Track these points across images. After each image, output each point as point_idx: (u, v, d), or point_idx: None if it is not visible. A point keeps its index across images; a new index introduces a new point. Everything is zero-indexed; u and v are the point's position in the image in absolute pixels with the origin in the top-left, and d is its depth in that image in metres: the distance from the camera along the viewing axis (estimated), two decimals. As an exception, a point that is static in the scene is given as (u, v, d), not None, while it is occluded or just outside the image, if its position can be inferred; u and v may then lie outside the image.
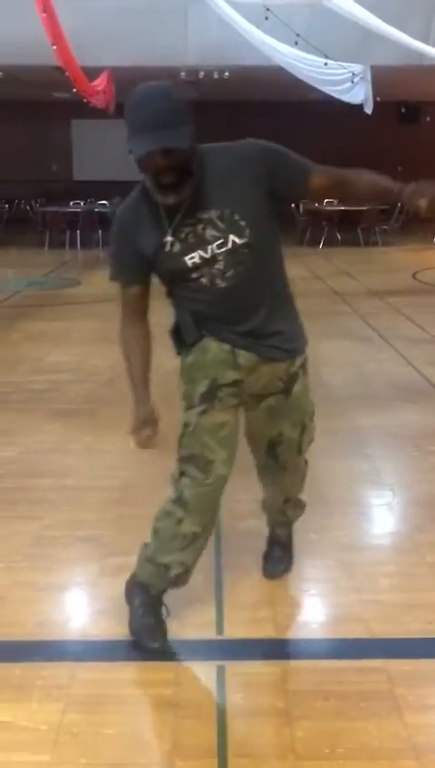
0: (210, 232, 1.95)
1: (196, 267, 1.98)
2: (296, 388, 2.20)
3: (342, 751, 1.87)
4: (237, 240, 1.95)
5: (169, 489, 2.21)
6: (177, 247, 1.97)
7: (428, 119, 15.13)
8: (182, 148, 1.83)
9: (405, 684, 2.10)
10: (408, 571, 2.69)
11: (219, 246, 1.96)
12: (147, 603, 2.26)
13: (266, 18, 8.48)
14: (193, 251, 1.96)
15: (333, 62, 9.76)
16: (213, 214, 1.94)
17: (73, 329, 6.81)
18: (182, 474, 2.15)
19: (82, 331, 6.72)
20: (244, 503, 3.16)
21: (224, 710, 2.01)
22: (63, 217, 12.97)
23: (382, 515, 3.22)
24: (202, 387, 2.10)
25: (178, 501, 2.16)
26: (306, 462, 2.46)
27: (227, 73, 11.49)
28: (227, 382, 2.10)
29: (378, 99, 11.02)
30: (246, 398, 2.18)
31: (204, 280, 2.00)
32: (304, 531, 2.95)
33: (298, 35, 8.99)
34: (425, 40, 9.27)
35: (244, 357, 2.08)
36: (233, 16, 8.74)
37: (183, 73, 11.82)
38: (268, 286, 2.09)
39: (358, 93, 10.69)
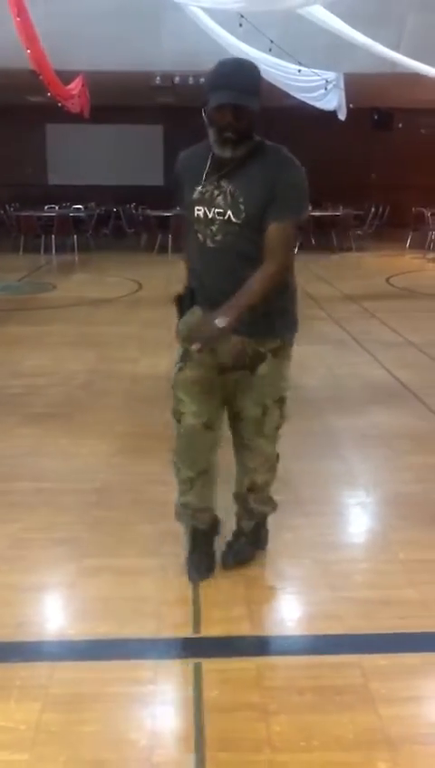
0: (219, 199, 2.29)
1: (198, 220, 2.32)
2: (262, 368, 2.38)
3: (317, 743, 1.90)
4: (233, 218, 2.28)
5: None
6: (196, 195, 2.32)
7: (400, 125, 15.32)
8: (251, 108, 2.18)
9: (379, 678, 2.15)
10: (381, 569, 2.74)
11: (218, 214, 2.29)
12: (191, 539, 2.67)
13: (241, 25, 8.54)
14: (201, 205, 2.31)
15: (306, 69, 9.86)
16: (229, 189, 2.27)
17: (49, 333, 6.80)
18: (175, 424, 2.49)
19: (58, 335, 6.72)
20: (218, 504, 3.20)
21: (201, 706, 2.04)
22: (38, 222, 12.92)
23: (356, 515, 3.27)
24: (181, 347, 2.44)
25: (174, 451, 2.54)
26: (277, 456, 2.60)
27: (202, 78, 11.53)
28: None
29: (351, 105, 11.15)
30: (220, 368, 2.40)
31: (200, 235, 2.34)
32: (279, 530, 3.00)
33: (272, 42, 9.07)
34: (396, 48, 9.42)
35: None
36: (207, 23, 8.81)
37: (158, 78, 11.86)
38: (248, 264, 2.28)
39: (331, 100, 10.81)
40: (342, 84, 10.61)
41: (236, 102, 2.14)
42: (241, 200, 2.26)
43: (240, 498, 2.69)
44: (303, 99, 10.77)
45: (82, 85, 11.10)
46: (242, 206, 2.26)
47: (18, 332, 6.89)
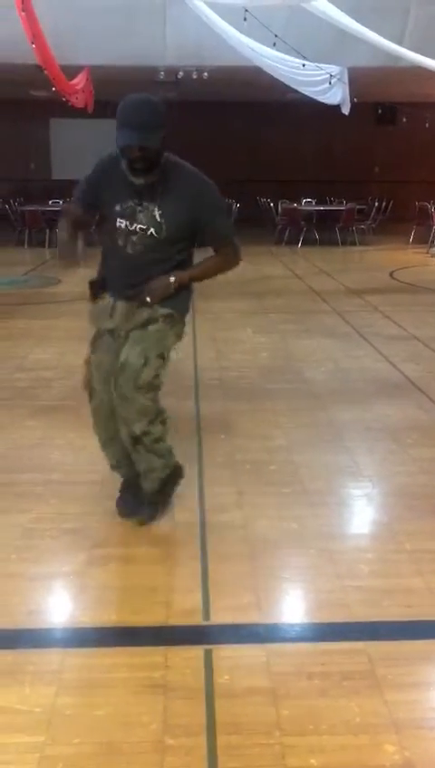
0: (141, 216, 2.69)
1: (119, 230, 2.72)
2: (152, 327, 2.78)
3: (325, 727, 1.95)
4: (153, 232, 2.70)
5: None
6: (118, 208, 2.70)
7: (404, 120, 15.31)
8: (152, 146, 2.53)
9: (385, 664, 2.19)
10: (387, 558, 2.78)
11: (141, 229, 2.70)
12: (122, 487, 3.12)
13: (245, 19, 8.54)
14: (124, 218, 2.70)
15: (310, 63, 9.86)
16: (150, 207, 2.67)
17: (55, 327, 6.84)
18: None
19: (64, 329, 6.75)
20: (226, 495, 3.25)
21: (211, 691, 2.08)
22: (43, 216, 12.94)
23: (362, 505, 3.31)
24: (93, 333, 2.88)
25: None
26: (150, 407, 2.80)
27: (205, 73, 11.54)
28: (106, 329, 2.82)
29: (355, 100, 11.13)
30: (124, 337, 2.79)
31: (120, 241, 2.74)
32: (285, 520, 3.05)
33: (276, 36, 9.07)
34: (400, 42, 9.41)
35: (119, 307, 2.79)
36: (211, 17, 8.81)
37: (162, 73, 11.86)
38: (156, 264, 2.75)
39: (335, 94, 10.80)
40: (346, 78, 10.60)
41: (142, 144, 2.50)
42: (163, 221, 2.67)
43: (127, 449, 2.98)
44: (307, 93, 10.76)
45: (87, 80, 11.12)
46: (164, 227, 2.68)
47: (24, 326, 6.94)
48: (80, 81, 10.75)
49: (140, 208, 2.66)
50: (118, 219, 2.69)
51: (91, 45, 10.05)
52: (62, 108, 11.98)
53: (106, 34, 9.94)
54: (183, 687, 2.11)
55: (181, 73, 11.64)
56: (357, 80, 10.71)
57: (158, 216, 2.66)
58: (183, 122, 16.76)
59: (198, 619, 2.42)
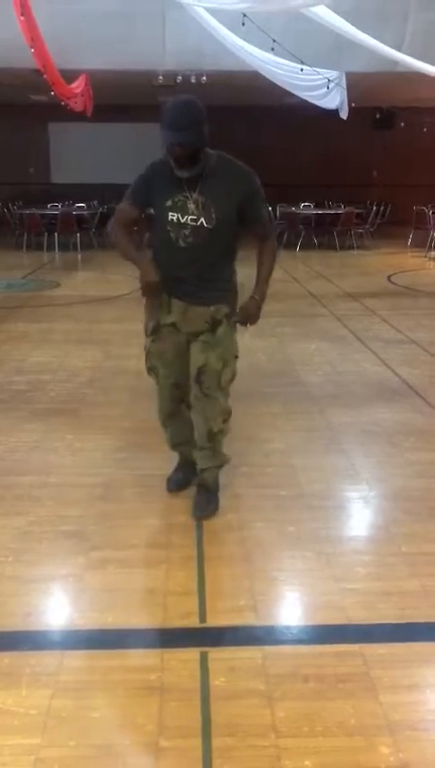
0: (191, 207, 2.81)
1: (171, 223, 2.84)
2: (220, 330, 2.94)
3: (321, 729, 1.95)
4: (205, 223, 2.81)
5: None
6: (169, 203, 2.82)
7: (402, 124, 15.34)
8: (194, 143, 2.68)
9: (380, 666, 2.20)
10: (383, 561, 2.79)
11: (192, 220, 2.82)
12: (178, 465, 3.41)
13: (243, 24, 8.56)
14: (175, 212, 2.82)
15: (308, 67, 9.88)
16: (199, 198, 2.80)
17: (53, 330, 6.85)
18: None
19: (62, 332, 6.77)
20: (223, 498, 3.25)
21: (207, 693, 2.09)
22: (42, 220, 12.96)
23: (359, 508, 3.32)
24: (151, 324, 3.03)
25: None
26: (228, 407, 3.08)
27: (204, 78, 11.57)
28: (166, 323, 2.98)
29: (353, 104, 11.16)
30: (186, 337, 2.97)
31: (172, 234, 2.85)
32: (282, 523, 3.06)
33: (274, 41, 9.09)
34: (399, 48, 9.44)
35: (175, 304, 2.94)
36: (210, 22, 8.84)
37: (160, 77, 11.89)
38: (211, 261, 2.89)
39: (333, 99, 10.83)
40: (344, 83, 10.63)
41: (180, 142, 2.66)
42: (212, 210, 2.79)
43: (203, 449, 3.16)
44: (305, 98, 10.79)
45: (86, 84, 11.14)
46: (213, 215, 2.80)
47: (22, 329, 6.94)
48: (79, 85, 10.77)
49: (189, 200, 2.80)
50: (169, 213, 2.82)
51: (90, 50, 10.08)
52: (61, 112, 12.00)
53: (105, 39, 9.96)
54: (179, 689, 2.12)
55: (180, 78, 11.66)
56: (355, 84, 10.75)
57: (206, 206, 2.79)
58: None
59: (194, 622, 2.43)
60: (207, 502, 3.16)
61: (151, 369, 3.14)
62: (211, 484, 3.21)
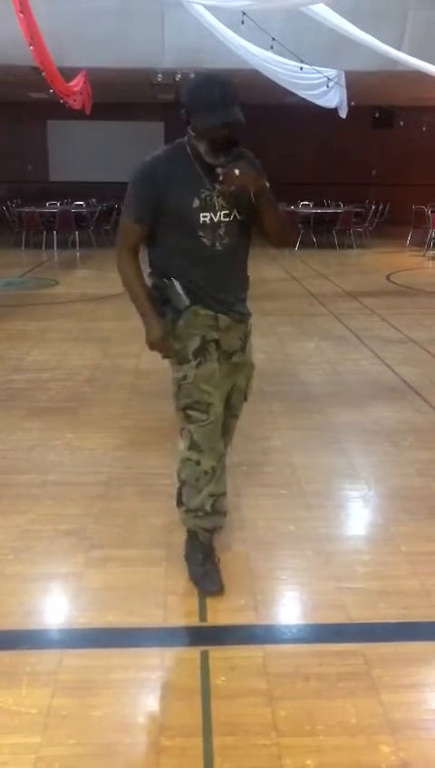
0: (221, 202, 2.37)
1: (204, 226, 2.37)
2: (247, 345, 2.63)
3: (321, 728, 1.95)
4: (238, 216, 2.40)
5: (179, 442, 2.59)
6: (197, 203, 2.35)
7: (401, 123, 15.33)
8: (241, 123, 2.24)
9: (381, 665, 2.19)
10: (384, 560, 2.78)
11: (225, 216, 2.39)
12: (200, 551, 2.64)
13: (242, 22, 8.56)
14: (207, 211, 2.36)
15: (308, 66, 9.89)
16: (222, 187, 2.33)
17: (52, 328, 6.84)
18: (188, 420, 2.53)
19: (61, 330, 6.76)
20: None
21: (208, 692, 2.08)
22: (40, 218, 12.95)
23: (358, 507, 3.32)
24: (195, 343, 2.47)
25: (192, 446, 2.54)
26: None
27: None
28: (211, 339, 2.49)
29: (352, 103, 11.17)
30: (219, 354, 2.54)
31: (207, 240, 2.39)
32: (282, 522, 3.05)
33: (274, 39, 9.09)
34: (398, 46, 9.44)
35: (222, 320, 2.48)
36: (209, 20, 8.83)
37: (159, 75, 11.89)
38: (243, 260, 2.53)
39: (333, 98, 10.83)
40: (343, 82, 10.64)
41: (229, 120, 2.23)
42: (239, 197, 2.36)
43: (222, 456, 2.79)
44: (304, 96, 10.79)
45: (84, 82, 11.14)
46: (242, 202, 2.38)
47: (21, 328, 6.93)
48: (77, 83, 10.77)
49: (218, 194, 2.36)
50: (201, 215, 2.36)
51: (88, 47, 10.07)
52: (59, 110, 11.99)
53: (104, 37, 9.96)
54: (179, 688, 2.11)
55: (179, 76, 11.65)
56: (354, 83, 10.75)
57: (236, 195, 2.36)
58: (180, 124, 16.77)
59: (194, 621, 2.42)
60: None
61: (195, 406, 2.49)
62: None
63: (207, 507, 2.56)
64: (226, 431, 2.68)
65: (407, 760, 1.85)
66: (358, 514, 3.28)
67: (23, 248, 12.92)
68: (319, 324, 7.10)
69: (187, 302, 2.42)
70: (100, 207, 14.10)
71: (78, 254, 12.58)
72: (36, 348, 6.09)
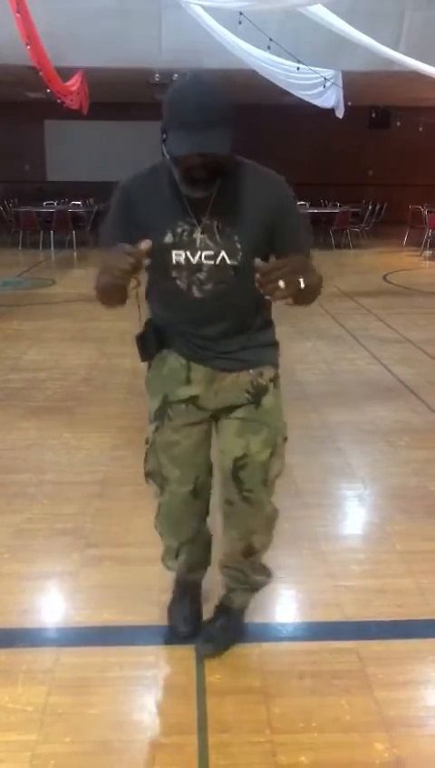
0: (203, 239, 1.85)
1: (177, 267, 1.88)
2: (267, 400, 2.02)
3: (316, 725, 1.96)
4: (227, 260, 1.86)
5: None
6: (169, 238, 1.86)
7: (398, 123, 15.37)
8: (218, 152, 1.70)
9: (376, 663, 2.21)
10: (379, 559, 2.80)
11: (208, 258, 1.87)
12: (179, 589, 2.40)
13: (240, 23, 8.58)
14: (180, 249, 1.86)
15: (305, 66, 9.90)
16: (216, 225, 1.84)
17: (49, 328, 6.84)
18: (153, 491, 2.20)
19: (58, 330, 6.76)
20: (219, 496, 3.25)
21: (203, 690, 2.09)
22: (37, 218, 12.95)
23: (354, 507, 3.33)
24: (156, 402, 2.06)
25: (157, 516, 2.25)
26: (275, 510, 2.17)
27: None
28: (177, 399, 2.02)
29: (349, 103, 11.19)
30: (213, 413, 2.06)
31: (180, 283, 1.91)
32: (279, 521, 3.05)
33: (271, 40, 9.11)
34: (395, 47, 9.46)
35: (198, 371, 2.00)
36: (206, 20, 8.84)
37: (157, 75, 11.89)
38: (241, 308, 1.96)
39: (329, 98, 10.85)
40: (340, 82, 10.66)
41: (202, 150, 1.68)
42: (236, 238, 1.84)
43: (234, 561, 2.24)
44: (301, 96, 10.81)
45: (81, 82, 11.14)
46: (239, 245, 1.84)
47: (18, 327, 6.94)
48: (74, 82, 10.77)
49: (200, 229, 1.84)
50: (173, 253, 1.86)
51: (86, 47, 10.07)
52: (56, 109, 11.99)
53: (101, 36, 9.96)
54: (175, 686, 2.12)
55: (176, 76, 11.63)
56: (351, 83, 10.77)
57: (225, 233, 1.84)
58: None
59: (190, 619, 2.43)
60: (222, 630, 2.28)
61: (152, 475, 2.13)
62: (237, 608, 2.32)
63: (180, 573, 2.34)
64: (232, 521, 2.13)
65: (401, 757, 1.86)
66: (354, 513, 3.29)
67: (20, 248, 12.92)
68: (315, 324, 7.11)
69: (155, 346, 2.03)
70: (97, 207, 14.09)
71: (75, 253, 12.59)
72: (33, 347, 6.10)
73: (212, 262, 1.87)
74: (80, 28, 9.78)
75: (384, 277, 10.28)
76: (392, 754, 1.87)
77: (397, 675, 2.17)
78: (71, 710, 2.01)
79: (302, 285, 1.65)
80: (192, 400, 2.03)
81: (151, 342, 2.03)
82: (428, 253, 12.82)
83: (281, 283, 1.62)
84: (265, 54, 9.52)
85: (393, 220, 14.90)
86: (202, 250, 1.86)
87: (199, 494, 2.14)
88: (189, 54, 10.32)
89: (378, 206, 14.53)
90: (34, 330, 6.77)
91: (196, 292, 1.91)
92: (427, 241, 13.08)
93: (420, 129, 14.77)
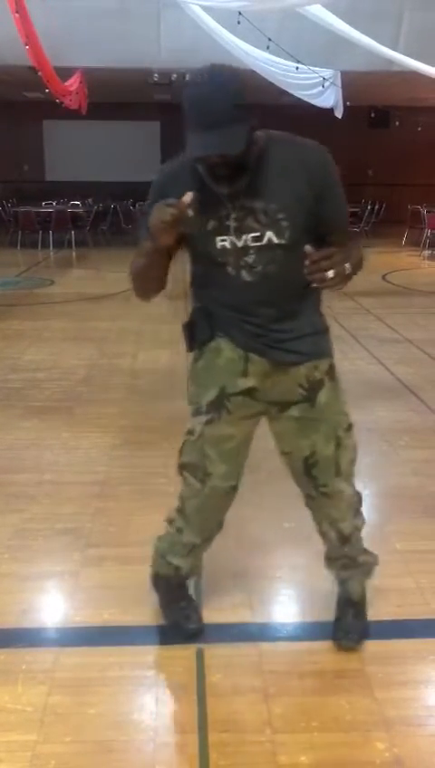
0: (250, 222, 1.84)
1: (224, 252, 1.87)
2: (322, 396, 2.02)
3: (316, 724, 1.96)
4: (275, 239, 1.85)
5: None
6: (213, 225, 1.85)
7: (397, 123, 15.38)
8: (235, 152, 1.70)
9: (376, 663, 2.21)
10: (379, 559, 2.79)
11: (254, 240, 1.85)
12: (172, 591, 2.35)
13: (239, 22, 8.58)
14: (224, 235, 1.85)
15: (304, 66, 9.91)
16: (258, 205, 1.82)
17: (48, 328, 6.84)
18: (183, 481, 2.16)
19: (57, 330, 6.76)
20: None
21: (203, 690, 2.09)
22: (36, 218, 12.95)
23: (354, 506, 3.32)
24: (211, 394, 2.00)
25: (180, 511, 2.21)
26: (356, 494, 2.19)
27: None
28: (236, 391, 2.00)
29: (348, 103, 11.20)
30: (266, 408, 2.06)
31: (229, 269, 1.89)
32: (278, 521, 3.06)
33: (270, 40, 9.11)
34: (394, 47, 9.47)
35: (256, 362, 1.97)
36: (205, 20, 8.84)
37: (156, 75, 11.89)
38: (293, 289, 1.93)
39: (329, 98, 10.86)
40: (339, 82, 10.67)
41: (219, 151, 1.70)
42: (281, 215, 1.83)
43: (337, 558, 2.29)
44: (300, 96, 10.82)
45: (80, 82, 11.14)
46: (284, 223, 1.83)
47: (17, 327, 6.93)
48: (73, 82, 10.77)
49: (243, 213, 1.83)
50: (218, 239, 1.86)
51: (84, 47, 10.07)
52: (55, 109, 11.99)
53: (100, 36, 9.96)
54: (175, 686, 2.12)
55: (175, 76, 11.66)
56: (350, 83, 10.77)
57: (269, 212, 1.82)
58: (176, 125, 16.79)
59: (190, 619, 2.43)
60: (355, 620, 2.31)
61: (191, 468, 2.09)
62: (358, 598, 2.34)
63: (182, 573, 2.30)
64: (318, 513, 2.22)
65: (401, 756, 1.86)
66: (353, 513, 3.29)
67: (19, 248, 12.91)
68: (315, 324, 7.11)
69: (208, 332, 1.99)
70: (96, 207, 14.10)
71: (74, 253, 12.58)
72: (32, 347, 6.10)
73: (259, 243, 1.86)
74: (79, 28, 9.79)
75: (384, 277, 10.28)
76: (393, 754, 1.87)
77: (397, 674, 2.17)
78: (71, 710, 2.01)
79: (349, 272, 1.72)
80: (249, 392, 2.01)
81: (202, 329, 2.00)
82: (427, 252, 12.83)
83: (330, 273, 1.68)
84: (264, 54, 9.53)
85: (392, 220, 14.91)
86: (247, 232, 1.85)
87: (237, 488, 2.15)
88: (188, 54, 10.32)
89: (377, 206, 14.53)
90: (33, 330, 6.77)
91: (245, 276, 1.90)
92: (426, 241, 13.08)
93: (420, 128, 14.78)
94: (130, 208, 14.31)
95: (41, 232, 12.92)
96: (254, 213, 1.83)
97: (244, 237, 1.85)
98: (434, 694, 2.13)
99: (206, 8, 8.61)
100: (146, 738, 1.92)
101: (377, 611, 2.46)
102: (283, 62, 9.80)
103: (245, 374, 1.99)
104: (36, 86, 10.32)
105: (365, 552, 2.32)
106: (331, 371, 2.06)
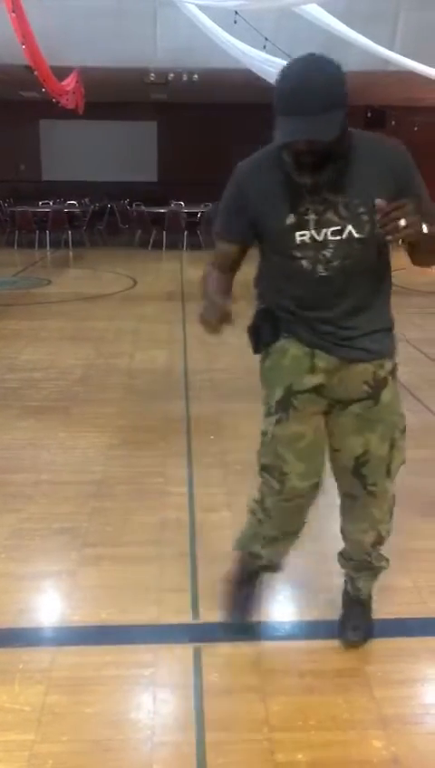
0: (330, 216, 1.84)
1: (301, 246, 1.87)
2: (386, 395, 2.03)
3: (314, 723, 1.96)
4: (355, 233, 1.84)
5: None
6: (292, 220, 1.85)
7: (393, 123, 15.39)
8: (327, 139, 1.68)
9: (374, 661, 2.21)
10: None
11: (334, 234, 1.85)
12: (244, 576, 2.38)
13: (235, 22, 8.59)
14: (304, 229, 1.85)
15: (301, 66, 9.90)
16: (340, 199, 1.82)
17: (45, 328, 6.83)
18: (263, 482, 2.15)
19: (54, 329, 6.76)
20: (216, 495, 3.26)
21: (200, 688, 2.09)
22: (33, 217, 12.94)
23: (351, 505, 3.32)
24: (278, 394, 2.01)
25: (261, 503, 2.20)
26: (394, 496, 2.22)
27: (196, 75, 11.58)
28: (303, 389, 1.99)
29: (345, 103, 11.20)
30: (330, 405, 2.04)
31: (305, 263, 1.89)
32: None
33: (266, 39, 9.11)
34: (391, 47, 9.47)
35: (323, 359, 1.97)
36: (202, 19, 8.84)
37: (152, 75, 11.89)
38: (367, 286, 1.94)
39: (325, 97, 10.85)
40: (336, 82, 10.66)
41: (310, 137, 1.68)
42: (362, 210, 1.82)
43: (361, 552, 2.29)
44: (297, 96, 10.80)
45: (77, 81, 11.13)
46: (365, 217, 1.82)
47: (14, 327, 6.92)
48: (70, 82, 10.75)
49: (322, 207, 1.83)
50: (297, 234, 1.86)
51: (81, 47, 10.07)
52: (52, 109, 11.97)
53: (96, 36, 9.96)
54: (172, 685, 2.12)
55: (171, 75, 11.67)
56: (347, 83, 10.77)
57: (351, 206, 1.82)
58: (173, 124, 16.79)
59: (187, 618, 2.43)
60: (363, 617, 2.35)
61: (269, 469, 2.08)
62: (366, 596, 2.38)
63: (260, 563, 2.33)
64: (359, 515, 2.20)
65: (398, 754, 1.86)
66: (350, 512, 3.29)
67: (15, 248, 12.90)
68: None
69: (273, 334, 2.00)
70: (92, 207, 14.09)
71: (71, 253, 12.57)
72: (29, 347, 6.09)
73: (339, 237, 1.85)
74: (75, 27, 9.78)
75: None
76: (390, 752, 1.87)
77: (395, 673, 2.18)
78: (68, 709, 2.01)
79: (425, 230, 1.68)
80: (317, 390, 2.01)
81: (267, 331, 2.02)
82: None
83: (402, 222, 1.65)
84: (261, 54, 9.52)
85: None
86: (327, 227, 1.85)
87: (320, 484, 2.12)
88: (185, 53, 10.34)
89: (374, 206, 14.54)
90: (30, 329, 6.76)
91: (321, 271, 1.90)
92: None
93: (416, 128, 14.79)
94: (127, 208, 14.31)
95: (38, 231, 12.92)
96: (335, 206, 1.83)
97: (323, 231, 1.85)
98: (431, 692, 2.14)
99: (202, 7, 8.61)
100: (143, 737, 1.92)
101: (376, 610, 2.46)
102: (279, 61, 9.79)
103: (312, 371, 1.99)
104: (33, 85, 10.31)
105: (383, 557, 2.34)
106: (394, 371, 2.07)
